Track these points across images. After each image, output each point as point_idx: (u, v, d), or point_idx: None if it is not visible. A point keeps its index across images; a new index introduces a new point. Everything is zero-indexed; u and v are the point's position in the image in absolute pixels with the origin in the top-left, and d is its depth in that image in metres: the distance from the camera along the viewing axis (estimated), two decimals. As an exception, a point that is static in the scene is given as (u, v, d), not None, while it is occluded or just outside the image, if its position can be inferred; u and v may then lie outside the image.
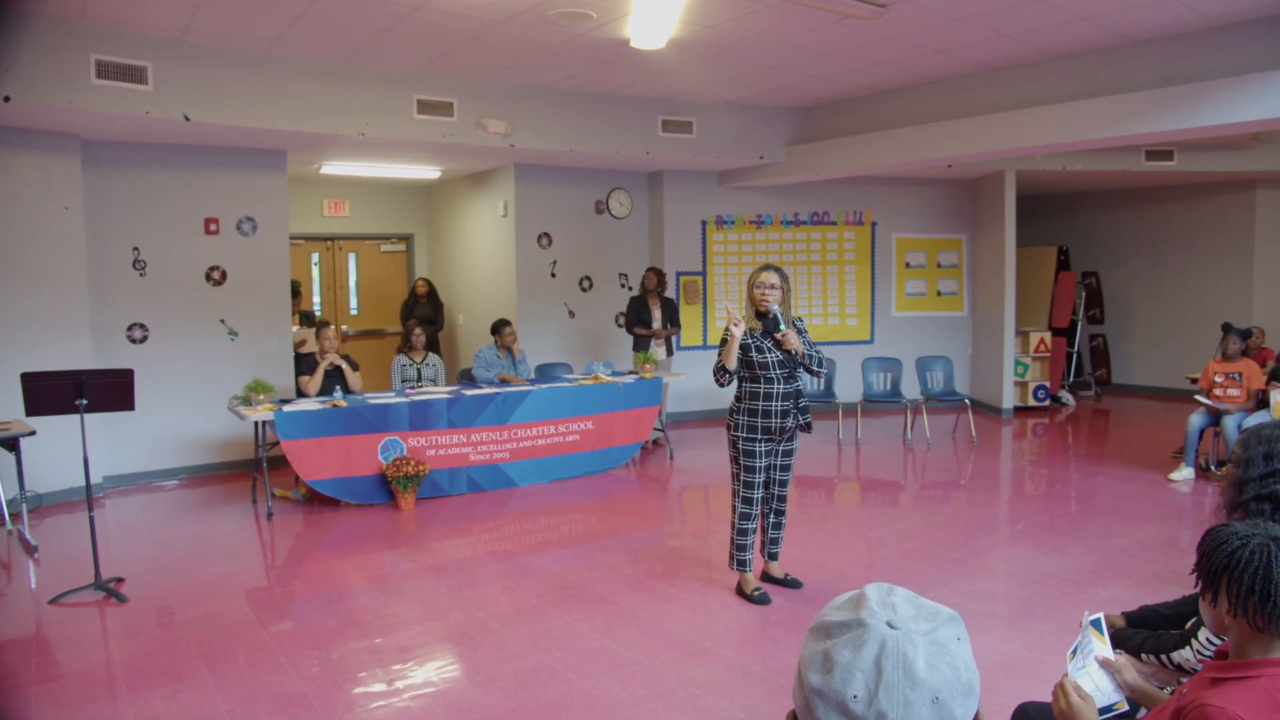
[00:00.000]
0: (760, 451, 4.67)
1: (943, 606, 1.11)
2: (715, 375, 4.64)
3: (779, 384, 4.59)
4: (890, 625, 1.04)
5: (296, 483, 7.03)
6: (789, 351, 4.59)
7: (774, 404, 4.59)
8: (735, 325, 4.57)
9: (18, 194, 6.70)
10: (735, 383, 4.72)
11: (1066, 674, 2.05)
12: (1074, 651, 2.14)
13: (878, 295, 11.00)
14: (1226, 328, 7.64)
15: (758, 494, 4.75)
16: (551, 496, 7.17)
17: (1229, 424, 7.06)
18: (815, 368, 4.65)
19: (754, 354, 4.59)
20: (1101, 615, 2.24)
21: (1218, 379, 7.39)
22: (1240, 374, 7.30)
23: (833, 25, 6.29)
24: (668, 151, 8.88)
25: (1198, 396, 7.47)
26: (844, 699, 1.00)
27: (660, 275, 9.02)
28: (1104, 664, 2.11)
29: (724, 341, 4.64)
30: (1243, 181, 10.86)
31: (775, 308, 4.57)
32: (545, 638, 4.30)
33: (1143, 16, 6.05)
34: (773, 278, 4.62)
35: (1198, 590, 1.89)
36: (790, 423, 4.65)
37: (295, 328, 8.47)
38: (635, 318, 8.95)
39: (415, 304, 10.45)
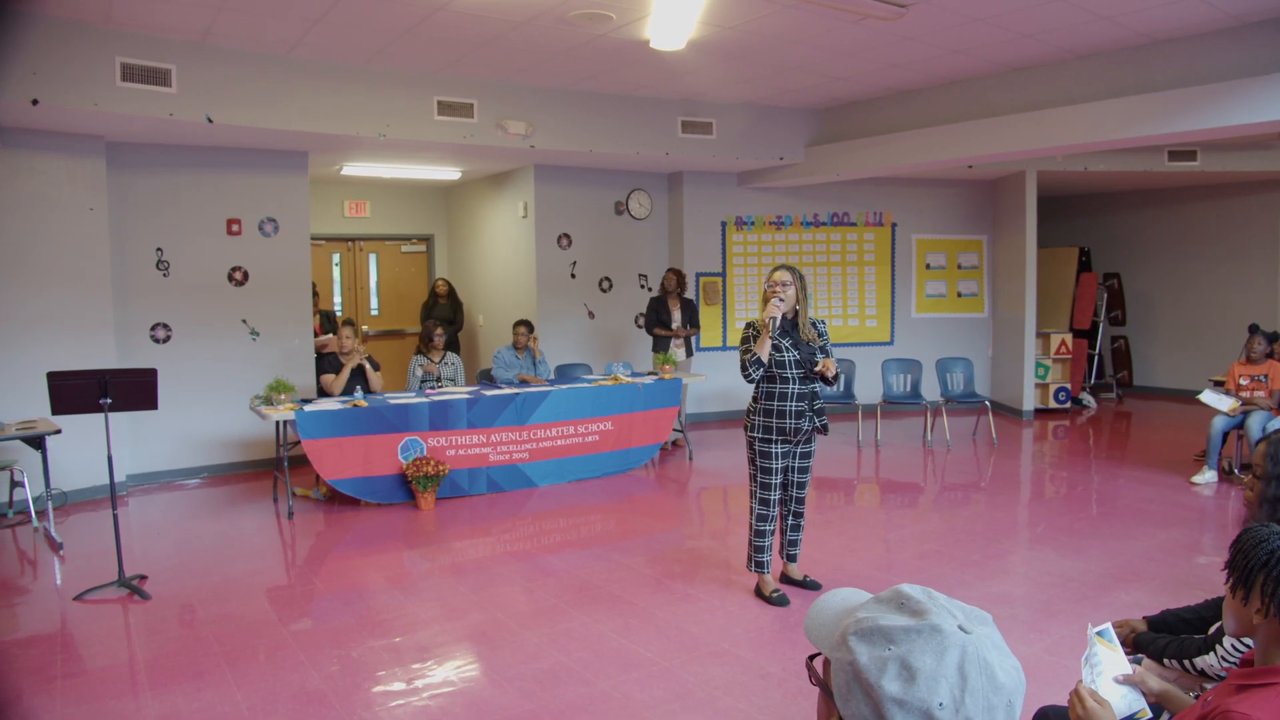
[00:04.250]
0: (776, 453, 4.66)
1: (976, 608, 1.11)
2: (747, 369, 4.57)
3: (794, 384, 4.57)
4: (962, 629, 1.03)
5: (317, 482, 7.08)
6: (808, 352, 4.59)
7: (789, 404, 4.57)
8: (774, 311, 4.51)
9: (44, 195, 6.78)
10: (755, 385, 4.70)
11: (1081, 680, 2.03)
12: (1087, 657, 2.12)
13: (898, 296, 10.95)
14: (1253, 328, 7.56)
15: (775, 495, 4.73)
16: (571, 497, 7.18)
17: (1253, 426, 6.98)
18: (832, 380, 4.64)
19: (772, 353, 4.58)
20: (1109, 625, 2.20)
21: (1242, 381, 7.31)
22: (1265, 376, 7.21)
23: (852, 26, 6.27)
24: (687, 152, 8.88)
25: (1209, 398, 7.37)
26: (929, 707, 0.99)
27: (680, 276, 9.01)
28: (1124, 681, 2.09)
29: (749, 339, 4.63)
30: (1268, 182, 10.74)
31: (784, 306, 4.57)
32: (564, 638, 4.31)
33: (1164, 15, 6.00)
34: (784, 275, 4.60)
35: (1228, 586, 1.86)
36: (805, 424, 4.63)
37: (321, 336, 8.53)
38: (655, 318, 8.95)
39: (435, 304, 10.50)
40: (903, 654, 1.02)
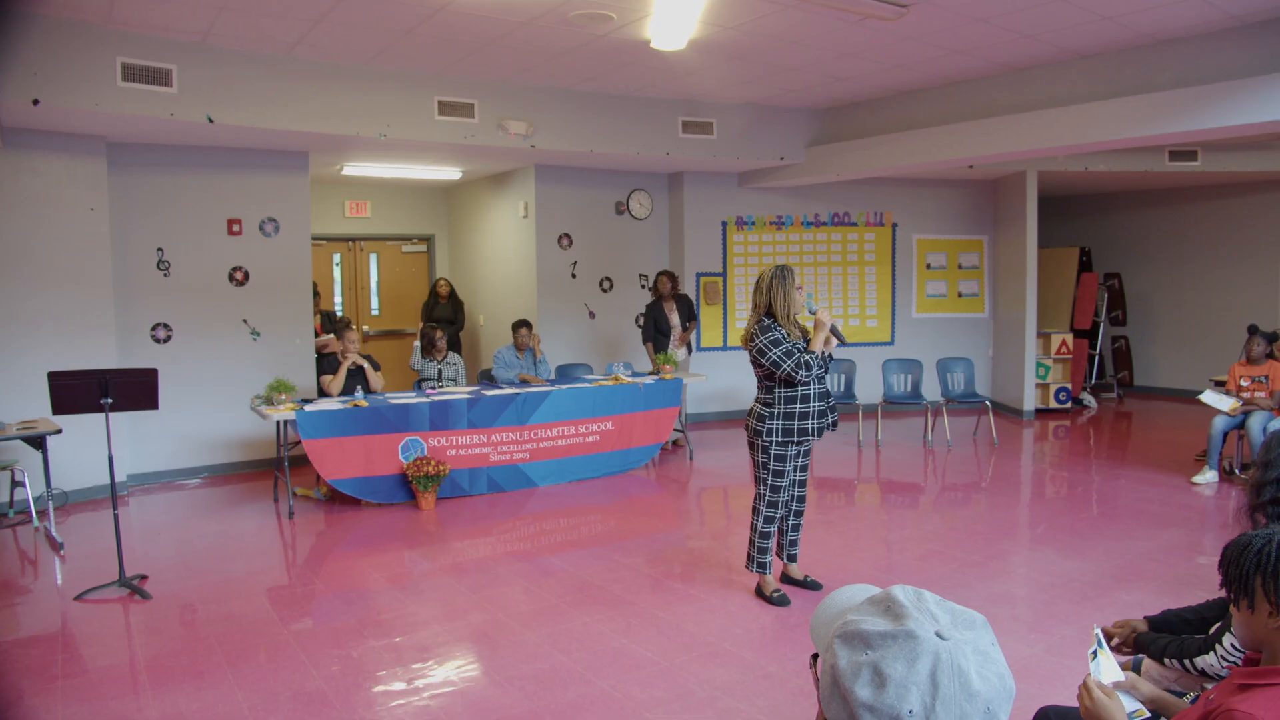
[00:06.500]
0: (791, 455, 4.67)
1: (969, 610, 1.10)
2: (811, 368, 4.48)
3: (814, 385, 4.61)
4: (939, 635, 1.02)
5: (318, 482, 7.08)
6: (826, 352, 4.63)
7: (811, 405, 4.60)
8: (825, 317, 4.56)
9: (45, 195, 6.79)
10: (765, 389, 4.68)
11: (1090, 673, 2.05)
12: (1094, 653, 2.14)
13: (898, 296, 10.95)
14: (1252, 329, 7.55)
15: (784, 498, 4.75)
16: (571, 497, 7.18)
17: (1254, 426, 6.98)
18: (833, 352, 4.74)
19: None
20: (1099, 629, 2.25)
21: (1243, 382, 7.31)
22: (1265, 376, 7.21)
23: (853, 26, 6.27)
24: (688, 152, 8.88)
25: (1209, 399, 7.34)
26: (899, 714, 0.99)
27: (672, 278, 8.96)
28: (1117, 687, 2.09)
29: (779, 340, 4.53)
30: (1269, 182, 10.73)
31: (815, 305, 4.70)
32: (564, 638, 4.31)
33: (1165, 16, 6.00)
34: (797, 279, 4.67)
35: (1230, 601, 1.85)
36: (826, 422, 4.66)
37: (321, 336, 8.56)
38: (652, 326, 8.90)
39: (435, 304, 10.50)
40: (876, 659, 1.02)
